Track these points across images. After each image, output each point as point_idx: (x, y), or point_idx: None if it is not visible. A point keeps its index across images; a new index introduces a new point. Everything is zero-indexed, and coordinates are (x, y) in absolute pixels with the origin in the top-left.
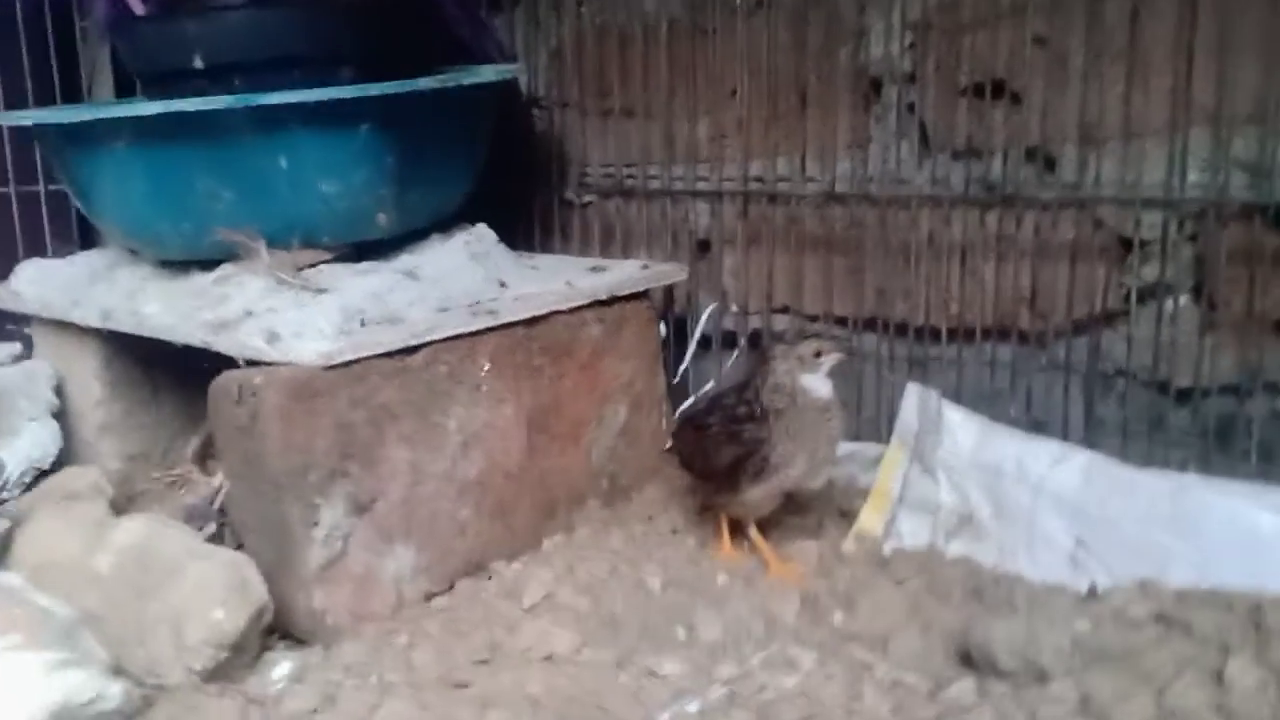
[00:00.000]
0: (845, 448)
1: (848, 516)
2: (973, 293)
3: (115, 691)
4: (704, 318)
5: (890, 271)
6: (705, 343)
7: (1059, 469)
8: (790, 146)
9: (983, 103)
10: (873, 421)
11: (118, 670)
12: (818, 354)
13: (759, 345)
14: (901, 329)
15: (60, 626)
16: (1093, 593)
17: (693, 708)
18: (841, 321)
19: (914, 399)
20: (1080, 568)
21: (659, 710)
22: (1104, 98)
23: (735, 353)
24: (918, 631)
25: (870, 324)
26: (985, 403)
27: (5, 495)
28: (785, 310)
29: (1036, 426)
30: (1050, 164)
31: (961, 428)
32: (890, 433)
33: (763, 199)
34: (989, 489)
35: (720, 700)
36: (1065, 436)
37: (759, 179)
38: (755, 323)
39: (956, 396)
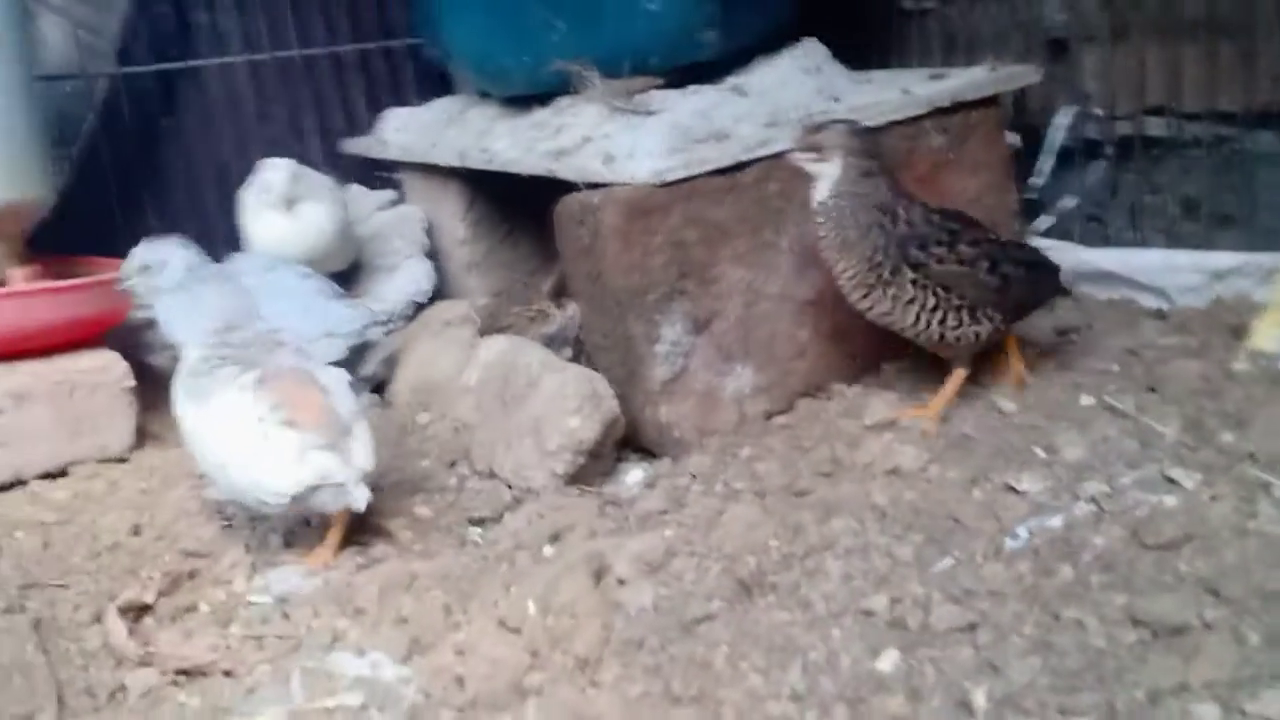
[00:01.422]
0: (1237, 259)
1: (1239, 334)
2: None
3: (360, 495)
4: (1061, 125)
5: None
6: (1064, 154)
7: None
8: None
9: None
10: (1271, 230)
11: (490, 474)
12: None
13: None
14: None
15: (338, 420)
16: None
17: (1056, 522)
18: (1229, 118)
19: None
20: None
21: (1017, 523)
22: None
23: (1099, 164)
24: None
25: (1264, 119)
26: None
27: (391, 325)
28: (1160, 111)
29: None
30: None
31: None
32: None
33: None
34: None
35: (1087, 516)
36: None
37: None
38: (1124, 128)
39: None
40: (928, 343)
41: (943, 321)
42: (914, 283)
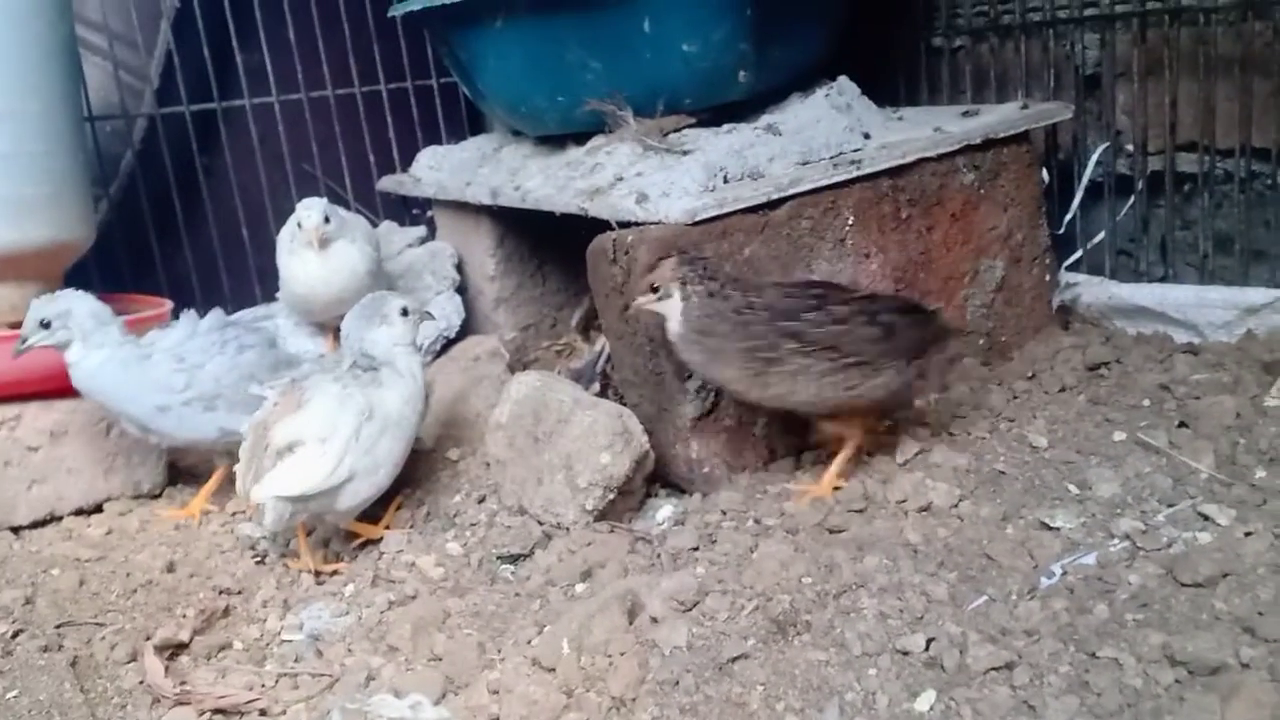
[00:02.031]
0: (1269, 294)
1: (1271, 370)
2: None
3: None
4: (1093, 161)
5: None
6: (1094, 189)
7: None
8: None
9: None
10: None
11: (521, 510)
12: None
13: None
14: None
15: (262, 449)
16: None
17: (1090, 560)
18: (1261, 154)
19: None
20: None
21: (1051, 561)
22: None
23: (1130, 199)
24: None
25: None
26: None
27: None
28: (1191, 148)
29: None
30: None
31: None
32: None
33: (1164, 18)
34: None
35: (1121, 553)
36: None
37: None
38: (1155, 164)
39: None
40: (846, 410)
41: (848, 386)
42: (797, 351)
